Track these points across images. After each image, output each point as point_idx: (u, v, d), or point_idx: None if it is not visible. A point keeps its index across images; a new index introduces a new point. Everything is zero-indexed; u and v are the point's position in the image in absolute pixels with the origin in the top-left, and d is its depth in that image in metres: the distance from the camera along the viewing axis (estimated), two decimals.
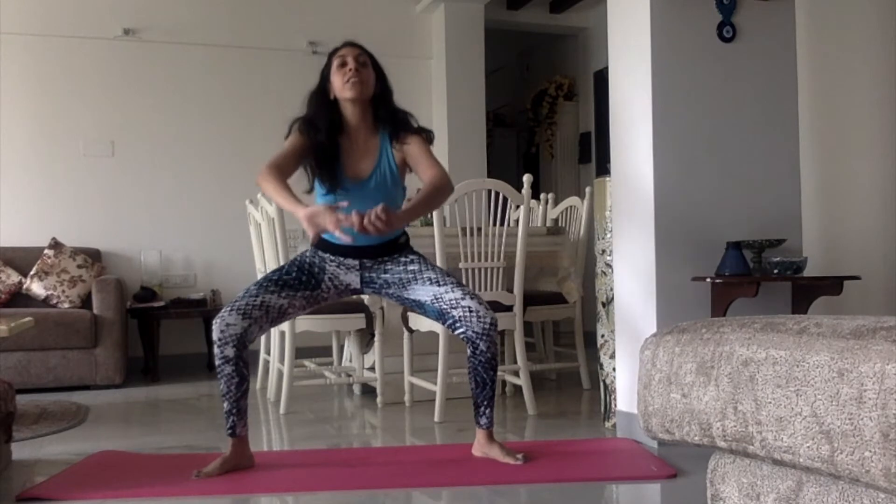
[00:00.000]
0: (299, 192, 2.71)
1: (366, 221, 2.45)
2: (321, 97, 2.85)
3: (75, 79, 5.61)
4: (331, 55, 2.87)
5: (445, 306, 2.77)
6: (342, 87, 2.80)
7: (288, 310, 2.80)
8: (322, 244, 2.86)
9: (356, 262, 2.86)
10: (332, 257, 2.86)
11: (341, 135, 2.85)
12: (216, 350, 2.68)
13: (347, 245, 2.82)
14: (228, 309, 2.69)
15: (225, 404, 2.72)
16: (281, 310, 2.77)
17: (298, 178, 2.82)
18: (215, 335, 2.67)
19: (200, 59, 5.89)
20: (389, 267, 2.87)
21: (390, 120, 2.86)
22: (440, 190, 2.75)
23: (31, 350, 4.61)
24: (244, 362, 2.71)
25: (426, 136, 2.85)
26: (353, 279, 2.89)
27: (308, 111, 2.86)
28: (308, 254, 2.89)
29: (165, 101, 5.80)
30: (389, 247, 2.88)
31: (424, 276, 2.83)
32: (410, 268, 2.85)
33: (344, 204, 2.56)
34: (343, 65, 2.80)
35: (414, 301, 2.86)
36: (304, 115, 2.85)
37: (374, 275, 2.88)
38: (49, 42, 5.56)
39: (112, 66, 5.69)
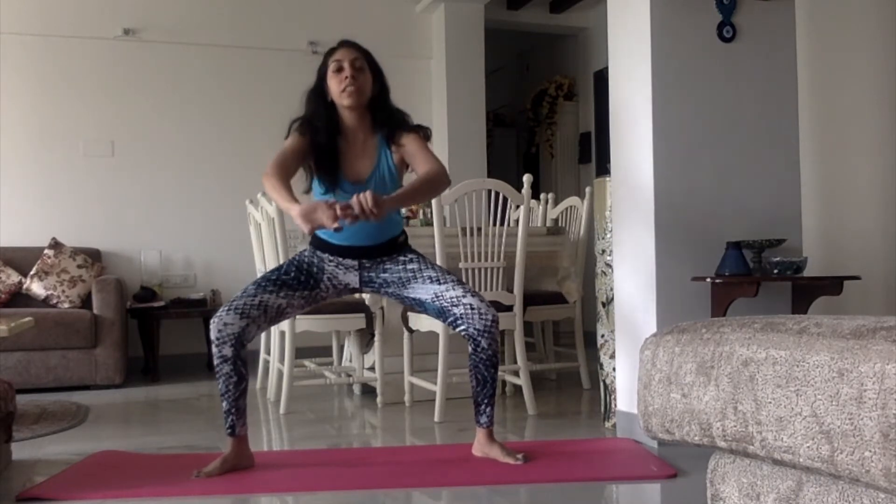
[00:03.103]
0: (298, 192, 2.70)
1: (356, 210, 2.42)
2: (319, 98, 2.84)
3: (75, 79, 5.61)
4: (327, 56, 2.86)
5: (446, 304, 2.78)
6: (339, 95, 2.79)
7: (286, 309, 2.80)
8: (320, 245, 2.86)
9: (355, 262, 2.86)
10: (331, 257, 2.86)
11: (340, 136, 2.85)
12: (214, 349, 2.68)
13: (345, 245, 2.82)
14: (226, 308, 2.69)
15: (224, 404, 2.72)
16: (279, 309, 2.77)
17: (298, 178, 2.82)
18: (213, 334, 2.67)
19: (200, 60, 5.89)
20: (388, 266, 2.87)
21: (387, 121, 2.85)
22: (433, 181, 2.73)
23: (31, 350, 4.61)
24: (242, 361, 2.71)
25: (423, 134, 2.84)
26: (353, 279, 2.89)
27: (306, 111, 2.85)
28: (307, 253, 2.89)
29: (165, 101, 5.80)
30: (388, 247, 2.88)
31: (424, 274, 2.83)
32: (410, 266, 2.85)
33: (331, 201, 2.48)
34: (339, 70, 2.79)
35: (414, 299, 2.86)
36: (302, 115, 2.85)
37: (373, 274, 2.88)
38: (49, 42, 5.56)
39: (112, 66, 5.69)
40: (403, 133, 2.82)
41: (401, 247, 2.91)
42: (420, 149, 2.79)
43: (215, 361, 2.70)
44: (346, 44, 2.86)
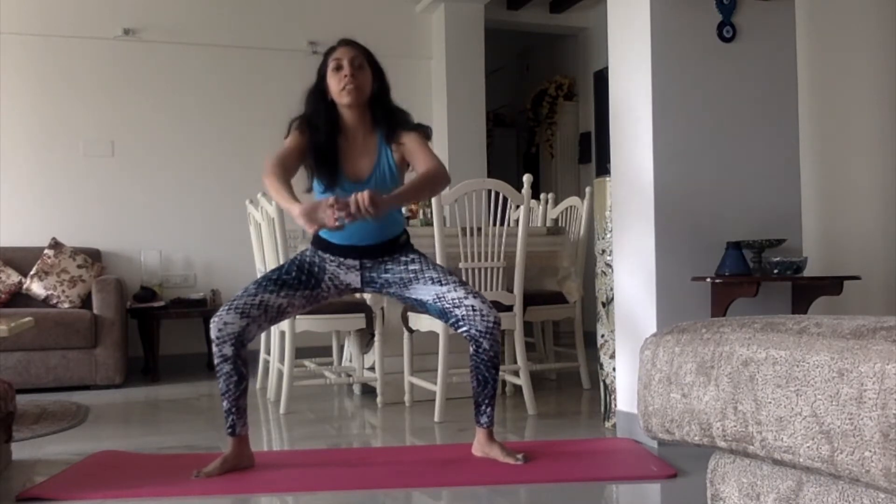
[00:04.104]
0: (299, 192, 2.70)
1: (353, 209, 2.43)
2: (318, 96, 2.84)
3: (75, 79, 5.61)
4: (326, 54, 2.85)
5: (448, 305, 2.78)
6: (339, 94, 2.79)
7: (287, 309, 2.80)
8: (322, 244, 2.86)
9: (356, 262, 2.86)
10: (332, 257, 2.86)
11: (340, 135, 2.84)
12: (214, 349, 2.69)
13: (347, 245, 2.82)
14: (226, 308, 2.69)
15: (224, 403, 2.72)
16: (280, 309, 2.77)
17: (299, 177, 2.81)
18: (213, 333, 2.67)
19: (200, 59, 5.89)
20: (390, 266, 2.87)
21: (387, 120, 2.85)
22: (432, 180, 2.73)
23: (31, 350, 4.61)
24: (243, 361, 2.72)
25: (423, 133, 2.84)
26: (354, 279, 2.89)
27: (306, 110, 2.86)
28: (308, 253, 2.89)
29: (165, 101, 5.80)
30: (390, 246, 2.87)
31: (426, 275, 2.83)
32: (412, 267, 2.85)
33: (330, 200, 2.47)
34: (339, 68, 2.79)
35: (416, 300, 2.86)
36: (302, 113, 2.85)
37: (374, 274, 2.88)
38: (49, 42, 5.56)
39: (112, 66, 5.69)
40: (403, 132, 2.82)
41: (402, 247, 2.91)
42: (420, 147, 2.79)
43: (215, 360, 2.70)
44: (345, 42, 2.86)
